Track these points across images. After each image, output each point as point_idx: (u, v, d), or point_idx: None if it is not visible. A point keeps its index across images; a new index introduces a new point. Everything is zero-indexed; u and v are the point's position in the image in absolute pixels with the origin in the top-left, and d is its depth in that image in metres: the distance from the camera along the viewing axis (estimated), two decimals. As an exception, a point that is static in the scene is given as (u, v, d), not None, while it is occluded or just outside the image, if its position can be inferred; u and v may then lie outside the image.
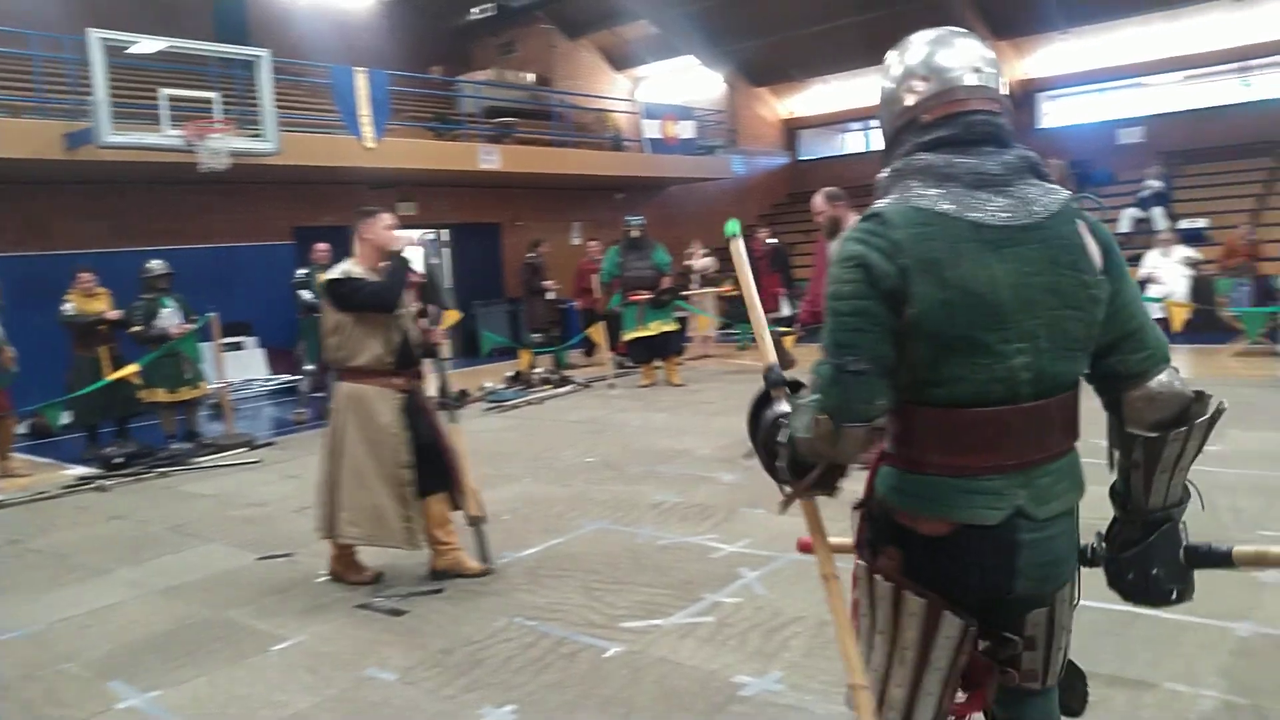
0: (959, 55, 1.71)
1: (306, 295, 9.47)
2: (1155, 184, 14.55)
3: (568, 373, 11.27)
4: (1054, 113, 18.86)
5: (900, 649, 1.76)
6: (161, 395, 8.31)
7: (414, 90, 16.33)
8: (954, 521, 1.67)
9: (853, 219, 6.06)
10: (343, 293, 4.36)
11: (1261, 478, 5.26)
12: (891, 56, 1.79)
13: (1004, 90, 1.75)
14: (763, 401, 1.92)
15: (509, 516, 5.53)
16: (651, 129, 16.68)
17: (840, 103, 20.81)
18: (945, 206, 1.62)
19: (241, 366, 11.71)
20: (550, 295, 12.90)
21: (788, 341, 10.91)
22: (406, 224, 15.28)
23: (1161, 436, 1.71)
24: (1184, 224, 14.29)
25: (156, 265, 8.50)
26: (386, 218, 4.85)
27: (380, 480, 4.34)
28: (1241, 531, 4.41)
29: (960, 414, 1.65)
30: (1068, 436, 1.74)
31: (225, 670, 3.65)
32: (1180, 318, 10.27)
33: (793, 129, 21.87)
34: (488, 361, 13.53)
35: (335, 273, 4.49)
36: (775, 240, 14.14)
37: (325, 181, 13.32)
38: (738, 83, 20.29)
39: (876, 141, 14.69)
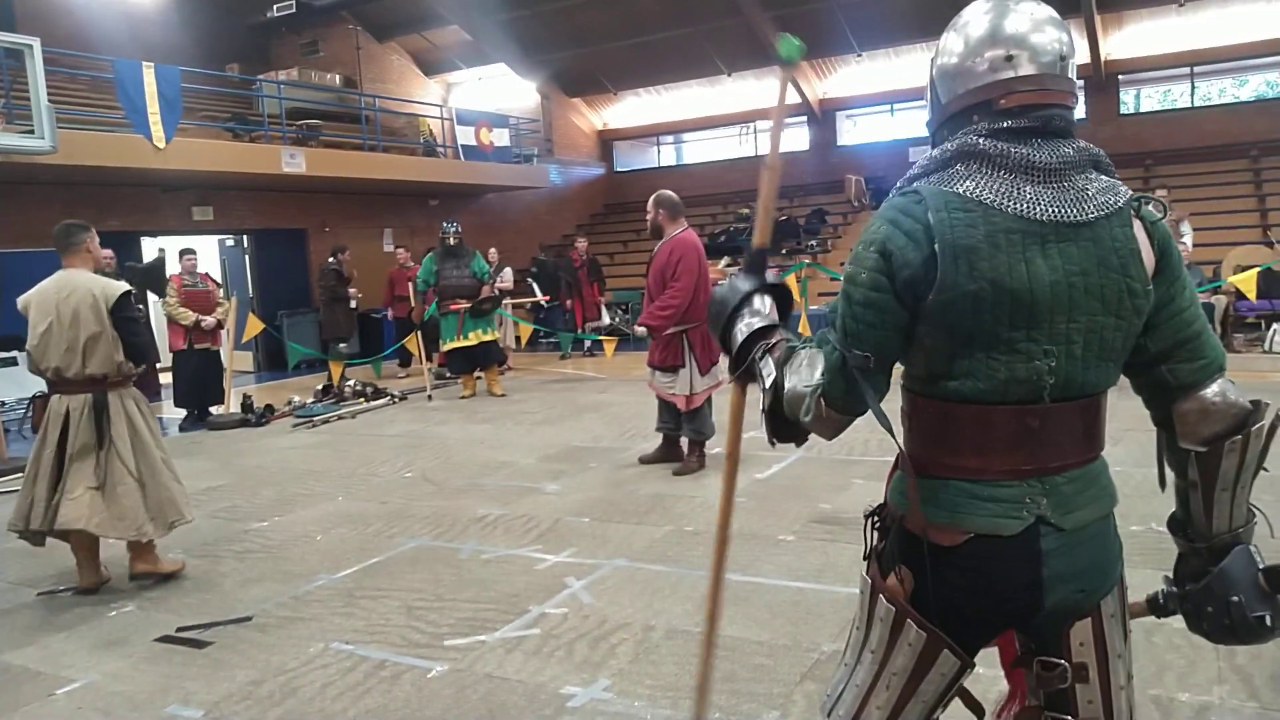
0: (1042, 31, 1.54)
1: None
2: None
3: (382, 384, 10.92)
4: (852, 131, 19.97)
5: (888, 673, 1.63)
6: None
7: (209, 88, 15.45)
8: (968, 530, 1.55)
9: (672, 228, 6.21)
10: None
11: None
12: (952, 33, 1.61)
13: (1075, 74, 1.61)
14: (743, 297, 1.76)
15: (321, 537, 5.29)
16: (465, 136, 16.46)
17: (653, 116, 21.25)
18: (989, 195, 1.50)
19: (15, 384, 10.67)
20: (353, 303, 12.45)
21: (608, 349, 11.07)
22: (202, 229, 14.54)
23: (1216, 448, 1.59)
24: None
25: None
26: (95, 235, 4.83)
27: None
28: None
29: (974, 410, 1.54)
30: (1092, 445, 1.61)
31: (0, 721, 3.30)
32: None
33: (608, 140, 22.14)
34: (295, 374, 12.97)
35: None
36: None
37: (110, 183, 12.38)
38: (552, 92, 20.34)
39: (689, 155, 15.17)
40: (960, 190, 1.52)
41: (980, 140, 1.54)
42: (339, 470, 7.01)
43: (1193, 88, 17.36)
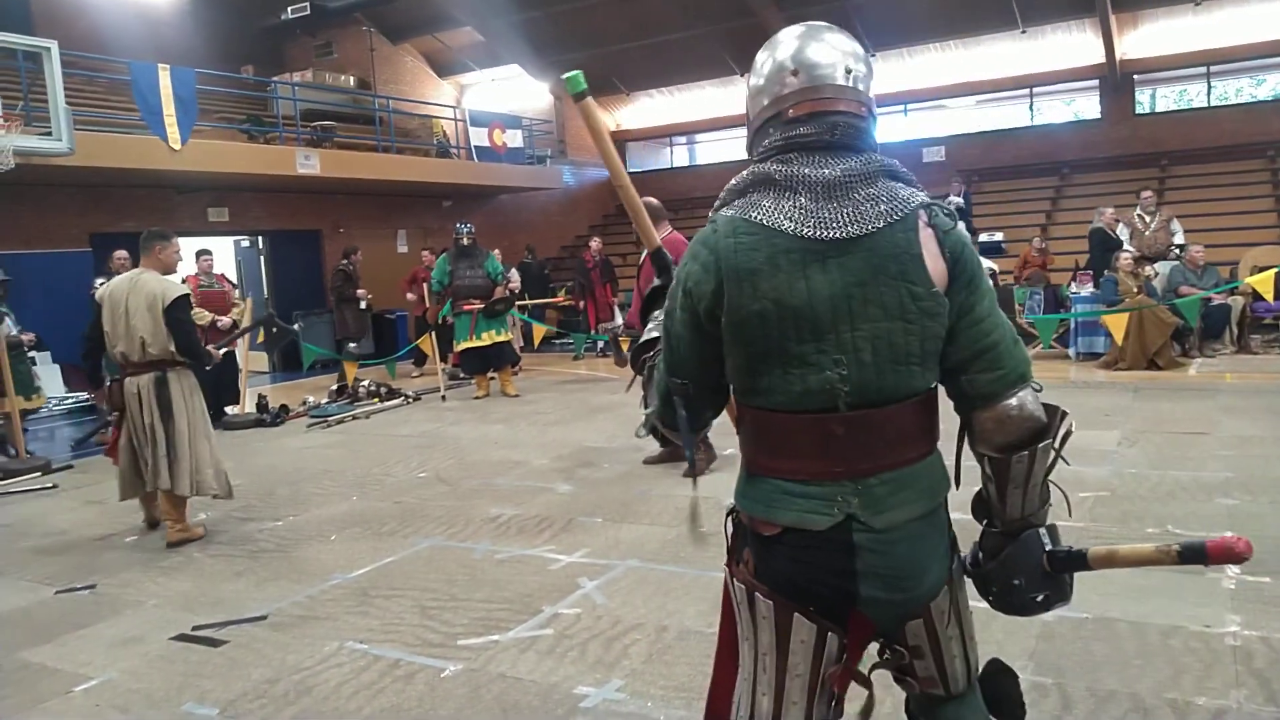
0: (829, 51, 1.67)
1: None
2: (957, 199, 15.59)
3: (396, 385, 10.95)
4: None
5: (760, 654, 1.74)
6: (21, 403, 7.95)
7: (225, 90, 15.55)
8: (780, 523, 1.67)
9: (658, 233, 6.20)
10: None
11: (1056, 472, 5.69)
12: (761, 52, 1.75)
13: (871, 89, 1.72)
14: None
15: (336, 536, 5.32)
16: (479, 137, 16.50)
17: (666, 116, 21.26)
18: (773, 218, 1.61)
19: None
20: (363, 304, 12.46)
21: (623, 348, 11.07)
22: (217, 230, 14.62)
23: (1005, 459, 1.68)
24: (983, 237, 15.39)
25: None
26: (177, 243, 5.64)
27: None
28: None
29: (783, 419, 1.65)
30: (911, 446, 1.67)
31: (18, 717, 3.32)
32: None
33: (621, 141, 22.15)
34: (310, 375, 13.02)
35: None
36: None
37: (127, 185, 12.48)
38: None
39: (702, 155, 15.19)
40: (751, 216, 1.64)
41: (770, 166, 1.67)
42: (353, 470, 7.04)
43: (1209, 87, 17.27)
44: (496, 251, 11.30)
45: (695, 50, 18.18)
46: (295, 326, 12.29)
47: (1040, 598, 1.73)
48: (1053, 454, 1.70)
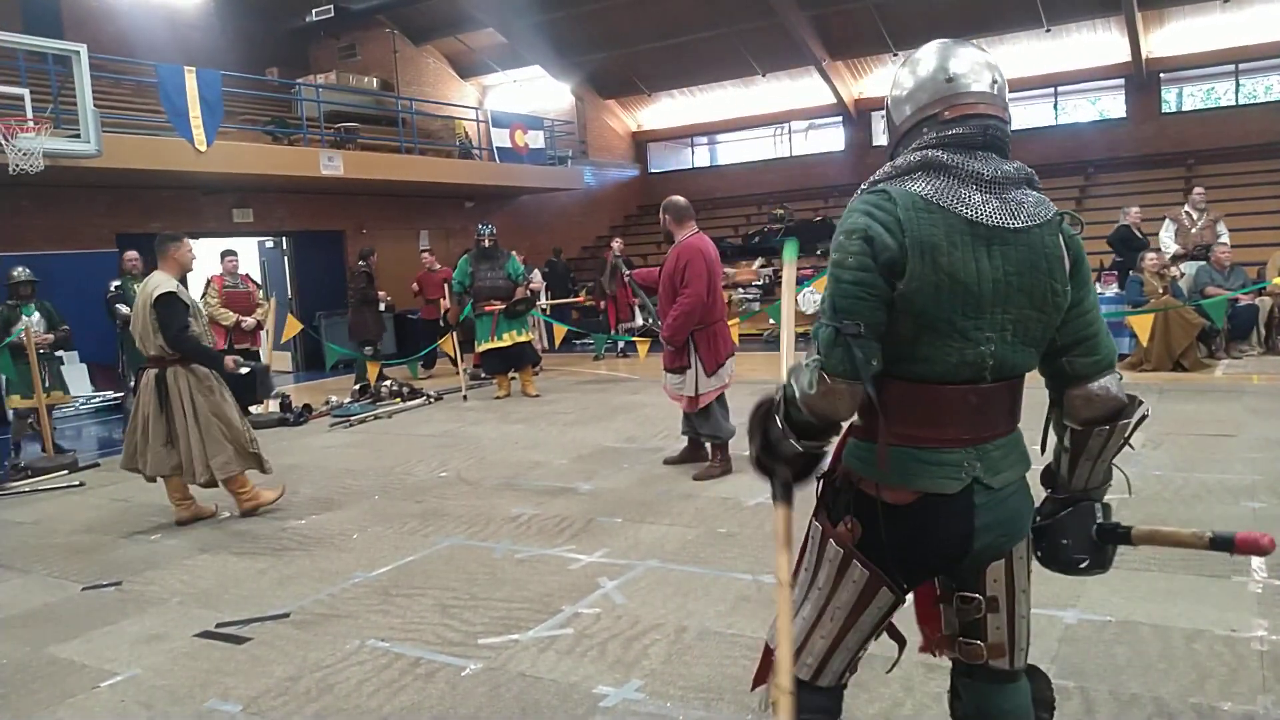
0: (973, 63, 1.84)
1: (126, 309, 8.88)
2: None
3: (418, 385, 11.01)
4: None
5: (833, 607, 1.94)
6: (15, 401, 8.04)
7: (249, 92, 15.68)
8: (918, 490, 1.83)
9: (681, 233, 6.18)
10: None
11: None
12: (903, 69, 1.92)
13: (1008, 103, 1.90)
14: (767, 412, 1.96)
15: (358, 535, 5.35)
16: (500, 138, 16.56)
17: (688, 117, 21.24)
18: (944, 200, 1.76)
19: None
20: (383, 305, 12.46)
21: (641, 350, 11.11)
22: (242, 231, 14.72)
23: (1086, 430, 1.91)
24: (1006, 237, 15.29)
25: (20, 272, 8.23)
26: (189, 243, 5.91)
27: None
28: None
29: (930, 389, 1.81)
30: (1013, 418, 1.91)
31: (46, 712, 3.37)
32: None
33: (642, 142, 22.17)
34: (333, 374, 13.12)
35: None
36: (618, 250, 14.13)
37: (153, 186, 12.61)
38: (586, 94, 20.41)
39: (724, 155, 15.14)
40: (923, 193, 1.77)
41: (938, 152, 1.80)
42: (375, 469, 7.08)
43: (1237, 85, 17.06)
44: (516, 253, 11.32)
45: (717, 50, 18.16)
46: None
47: (1084, 561, 1.95)
48: (1126, 434, 1.93)
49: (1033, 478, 1.99)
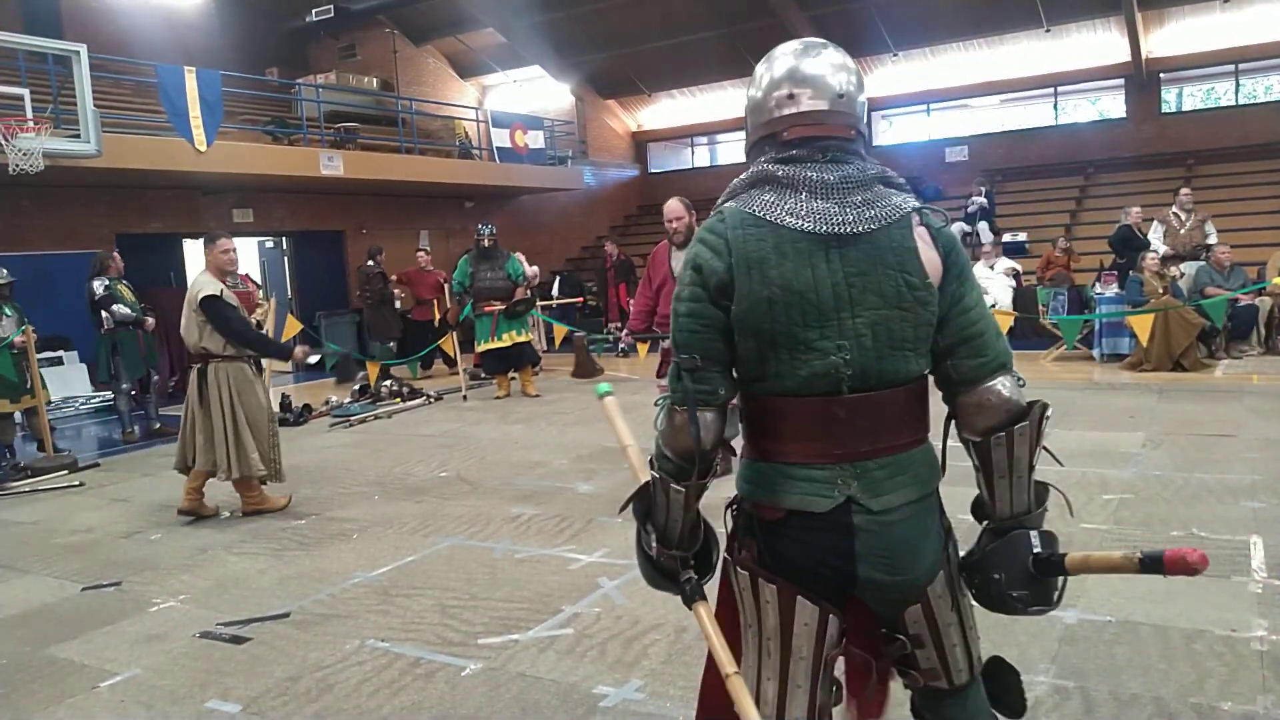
0: (823, 68, 1.78)
1: (125, 310, 8.86)
2: (980, 200, 15.51)
3: (418, 384, 11.00)
4: (888, 131, 19.84)
5: (765, 639, 1.82)
6: (5, 406, 7.89)
7: (249, 92, 15.68)
8: (785, 506, 1.75)
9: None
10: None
11: (1081, 474, 5.66)
12: (760, 67, 1.84)
13: (864, 105, 1.83)
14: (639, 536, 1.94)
15: (357, 535, 5.35)
16: (500, 138, 16.56)
17: (688, 117, 21.24)
18: (777, 213, 1.72)
19: (62, 383, 10.91)
20: (398, 304, 12.49)
21: (641, 350, 11.10)
22: (242, 231, 14.74)
23: (985, 441, 1.76)
24: (1006, 237, 15.29)
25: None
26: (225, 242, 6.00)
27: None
28: (1065, 525, 4.72)
29: (786, 403, 1.75)
30: (905, 432, 1.77)
31: (45, 712, 3.37)
32: (1005, 326, 10.94)
33: (642, 142, 22.17)
34: (333, 374, 13.10)
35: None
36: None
37: (153, 186, 12.62)
38: (586, 94, 20.41)
39: (723, 155, 15.17)
40: (755, 210, 1.74)
41: (771, 166, 1.77)
42: (375, 469, 7.08)
43: (1237, 85, 17.06)
44: (518, 253, 11.31)
45: (717, 50, 18.16)
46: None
47: (1020, 596, 1.76)
48: (1030, 439, 1.75)
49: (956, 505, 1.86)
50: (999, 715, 1.92)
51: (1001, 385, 1.76)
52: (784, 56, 1.81)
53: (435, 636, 3.82)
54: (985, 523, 1.85)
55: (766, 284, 1.69)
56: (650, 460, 1.90)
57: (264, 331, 8.80)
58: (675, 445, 1.80)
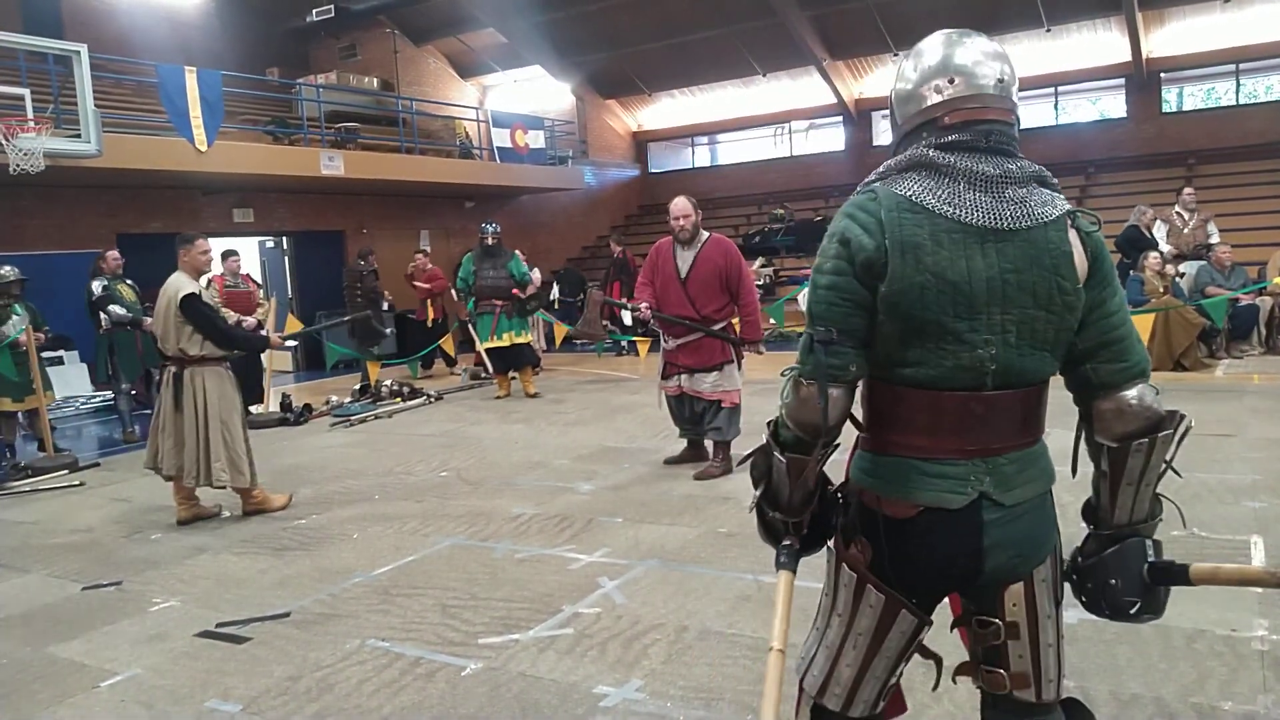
0: (980, 57, 1.75)
1: (120, 310, 8.87)
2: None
3: (419, 384, 11.00)
4: (888, 131, 19.73)
5: (855, 633, 1.83)
6: (8, 405, 7.91)
7: (250, 92, 15.68)
8: (918, 504, 1.73)
9: (703, 230, 6.20)
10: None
11: (1082, 474, 5.64)
12: (907, 61, 1.84)
13: (1016, 95, 1.80)
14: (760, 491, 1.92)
15: (358, 535, 5.35)
16: (501, 138, 16.56)
17: (688, 117, 21.23)
18: (933, 201, 1.70)
19: (62, 383, 10.90)
20: (385, 305, 12.34)
21: (641, 350, 11.10)
22: (242, 231, 14.72)
23: (1124, 447, 1.75)
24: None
25: (8, 271, 8.11)
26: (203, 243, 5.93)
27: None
28: (1065, 526, 4.71)
29: (926, 395, 1.72)
30: (1032, 430, 1.79)
31: (46, 712, 3.37)
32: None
33: (642, 142, 22.16)
34: (334, 374, 13.11)
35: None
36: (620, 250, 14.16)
37: (153, 186, 12.62)
38: (586, 94, 20.41)
39: (724, 155, 15.16)
40: (909, 194, 1.71)
41: (930, 152, 1.74)
42: (375, 469, 7.08)
43: (1237, 85, 17.04)
44: (519, 252, 11.29)
45: (717, 50, 18.16)
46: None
47: (1135, 605, 1.78)
48: (1171, 449, 1.77)
49: (1062, 495, 1.87)
50: None
51: (1142, 392, 1.76)
52: (935, 46, 1.79)
53: (436, 636, 3.82)
54: (1094, 527, 1.85)
55: (921, 270, 1.66)
56: (770, 425, 1.86)
57: (264, 332, 8.82)
58: (799, 418, 1.76)
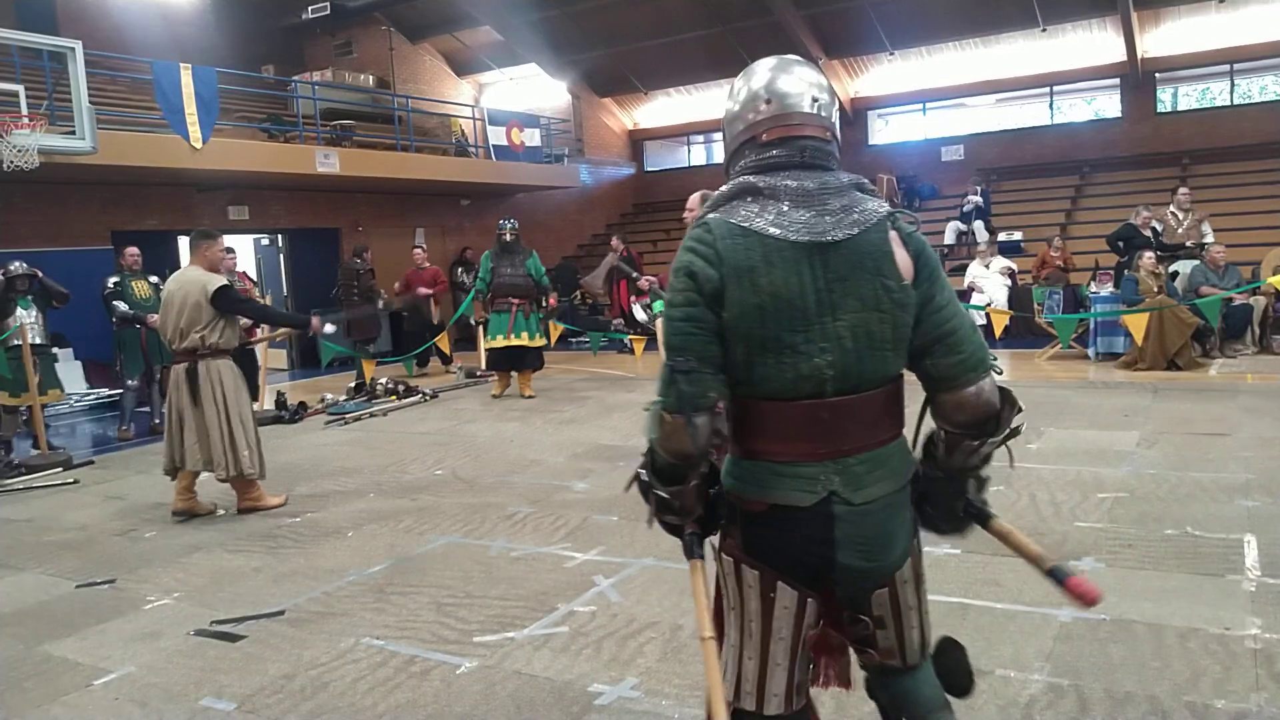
0: (798, 82, 1.89)
1: (123, 307, 8.88)
2: (976, 199, 15.53)
3: (414, 382, 10.98)
4: (884, 130, 19.85)
5: (747, 620, 1.93)
6: (5, 399, 7.89)
7: (245, 89, 15.63)
8: (771, 500, 1.85)
9: None
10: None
11: (1076, 473, 5.68)
12: (737, 81, 1.96)
13: (836, 116, 1.94)
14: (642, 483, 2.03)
15: (353, 533, 5.35)
16: (497, 136, 16.54)
17: (684, 115, 21.21)
18: (761, 224, 1.80)
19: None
20: (380, 304, 12.23)
21: (636, 348, 11.11)
22: (237, 228, 14.69)
23: (956, 440, 1.91)
24: (1002, 236, 15.30)
25: (18, 266, 8.14)
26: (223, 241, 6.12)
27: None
28: (1060, 523, 4.74)
29: (774, 406, 1.83)
30: (883, 429, 1.88)
31: (39, 710, 3.36)
32: (1000, 324, 10.96)
33: (638, 140, 22.16)
34: (329, 372, 13.10)
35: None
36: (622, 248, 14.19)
37: (148, 183, 12.57)
38: (583, 92, 20.39)
39: (719, 154, 15.08)
40: (740, 221, 1.82)
41: (752, 177, 1.86)
42: (370, 467, 7.07)
43: (1232, 85, 17.08)
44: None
45: (713, 49, 18.14)
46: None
47: (944, 528, 2.03)
48: (996, 445, 1.91)
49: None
50: (947, 693, 2.04)
51: (980, 387, 1.86)
52: (761, 71, 1.93)
53: (430, 634, 3.82)
54: (929, 462, 2.00)
55: (757, 292, 1.77)
56: (646, 455, 1.96)
57: (259, 334, 8.81)
58: (670, 447, 1.84)
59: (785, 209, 1.81)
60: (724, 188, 1.91)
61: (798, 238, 1.78)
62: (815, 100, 1.88)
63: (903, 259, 1.83)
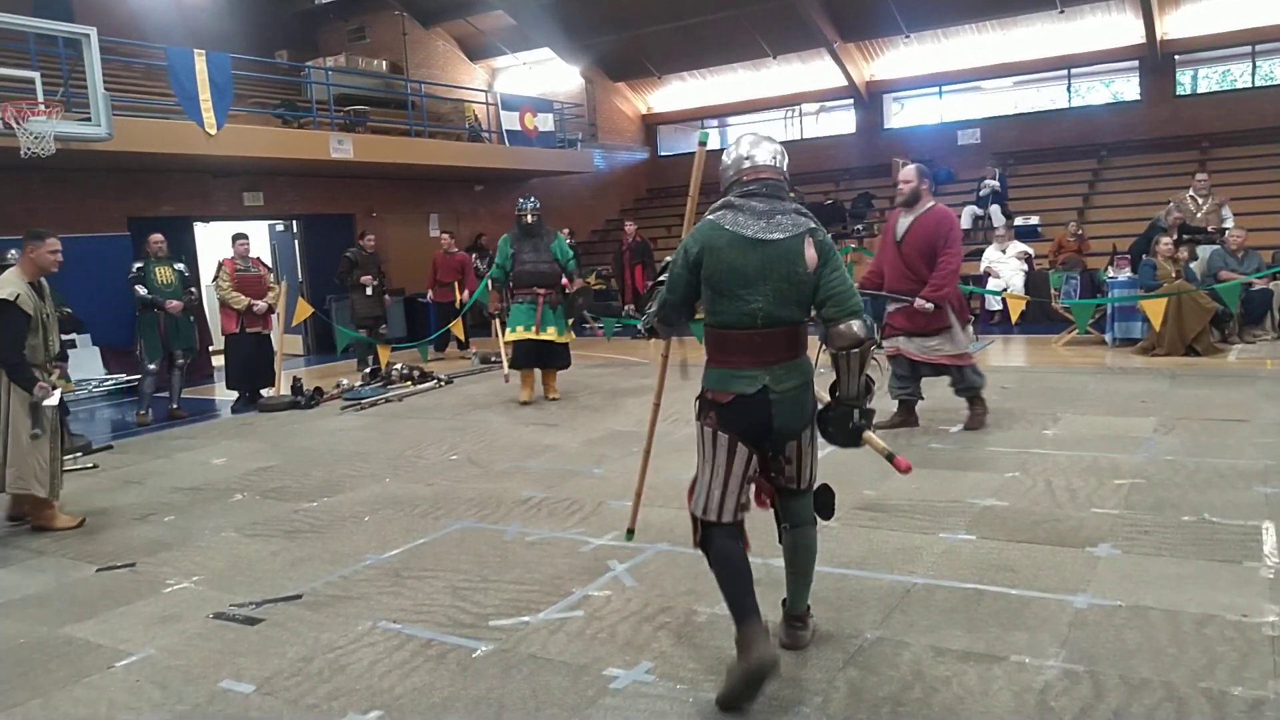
0: (766, 150, 3.21)
1: (142, 291, 8.94)
2: (992, 183, 15.40)
3: (429, 368, 11.00)
4: (899, 114, 19.72)
5: (715, 465, 3.14)
6: None
7: (259, 75, 15.66)
8: (731, 393, 3.08)
9: (928, 199, 6.54)
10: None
11: (1093, 459, 5.65)
12: (730, 148, 3.27)
13: (786, 165, 3.23)
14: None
15: (369, 518, 5.38)
16: (510, 121, 16.51)
17: (698, 99, 21.13)
18: (729, 225, 3.08)
19: (75, 366, 10.96)
20: (369, 290, 12.04)
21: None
22: (252, 214, 14.68)
23: (838, 355, 3.11)
24: (1019, 221, 15.18)
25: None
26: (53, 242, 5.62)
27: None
28: (1076, 509, 4.73)
29: (727, 333, 3.11)
30: (793, 350, 3.12)
31: (63, 691, 3.40)
32: (1017, 310, 10.89)
33: (652, 125, 22.08)
34: (344, 358, 13.15)
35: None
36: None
37: (163, 169, 12.63)
38: (596, 77, 20.33)
39: (733, 138, 15.04)
40: (718, 220, 3.12)
41: (734, 198, 3.16)
42: (386, 452, 7.11)
43: (1253, 67, 16.87)
44: (565, 231, 9.77)
45: (727, 32, 18.05)
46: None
47: (840, 442, 3.24)
48: (861, 358, 3.11)
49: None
50: (818, 515, 3.33)
51: (849, 324, 3.07)
52: (744, 145, 3.23)
53: (446, 618, 3.84)
54: (833, 397, 3.20)
55: (720, 261, 3.06)
56: (649, 317, 3.45)
57: (275, 315, 8.78)
58: (659, 322, 3.39)
59: (744, 219, 3.07)
60: (716, 203, 3.16)
61: (749, 235, 3.04)
62: (774, 156, 3.20)
63: (810, 255, 3.05)
